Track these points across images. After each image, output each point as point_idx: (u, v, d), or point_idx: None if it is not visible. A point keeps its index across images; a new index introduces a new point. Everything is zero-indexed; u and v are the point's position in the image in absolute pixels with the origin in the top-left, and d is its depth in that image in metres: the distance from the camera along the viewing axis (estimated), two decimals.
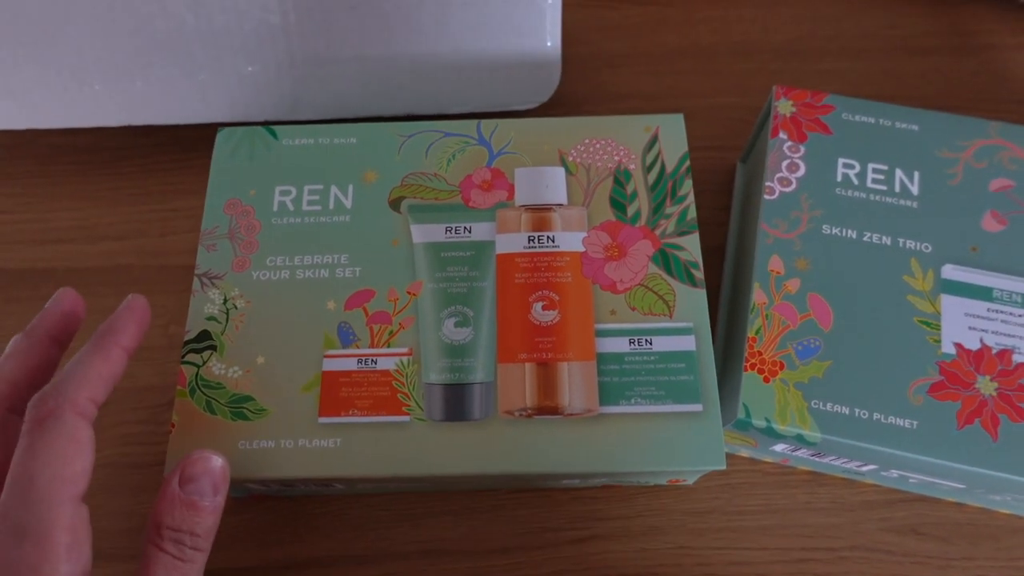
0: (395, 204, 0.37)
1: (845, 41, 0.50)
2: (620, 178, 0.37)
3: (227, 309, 0.35)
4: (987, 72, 0.48)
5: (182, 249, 0.45)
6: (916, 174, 0.36)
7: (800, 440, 0.33)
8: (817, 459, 0.36)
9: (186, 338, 0.34)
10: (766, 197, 0.36)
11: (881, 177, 0.37)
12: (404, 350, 0.34)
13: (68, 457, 0.25)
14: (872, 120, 0.38)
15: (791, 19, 0.51)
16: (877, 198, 0.36)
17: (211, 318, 0.35)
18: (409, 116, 0.45)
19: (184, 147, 0.48)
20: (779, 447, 0.35)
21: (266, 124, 0.39)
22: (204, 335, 0.34)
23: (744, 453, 0.38)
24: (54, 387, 0.27)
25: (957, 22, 0.50)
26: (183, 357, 0.34)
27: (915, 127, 0.38)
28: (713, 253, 0.43)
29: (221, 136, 0.39)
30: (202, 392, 0.33)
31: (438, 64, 0.43)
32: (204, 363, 0.34)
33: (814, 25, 0.51)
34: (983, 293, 0.34)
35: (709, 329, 0.34)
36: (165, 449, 0.38)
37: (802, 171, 0.37)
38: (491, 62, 0.43)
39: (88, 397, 0.27)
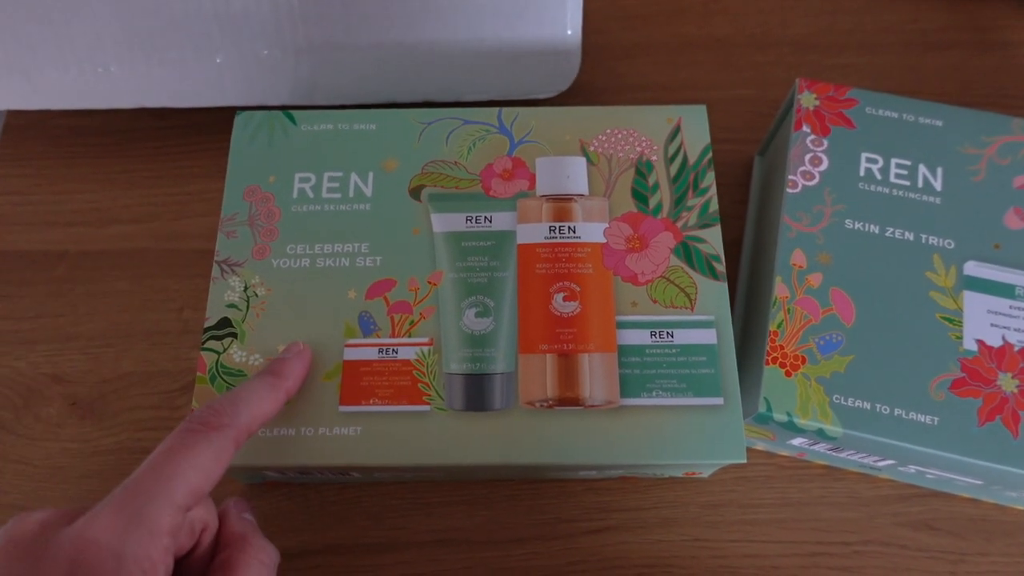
0: (415, 192, 0.36)
1: (864, 35, 0.50)
2: (642, 169, 0.37)
3: (247, 297, 0.35)
4: (1006, 68, 0.48)
5: (197, 233, 0.44)
6: (939, 170, 0.36)
7: (821, 435, 0.33)
8: (834, 453, 0.36)
9: (206, 324, 0.34)
10: (789, 190, 0.36)
11: (904, 172, 0.36)
12: (425, 340, 0.34)
13: (209, 473, 0.25)
14: (895, 115, 0.38)
15: (810, 12, 0.51)
16: (900, 193, 0.36)
17: (231, 305, 0.34)
18: (427, 103, 0.44)
19: (199, 130, 0.47)
20: (797, 441, 0.35)
21: (284, 109, 0.39)
22: (224, 322, 0.34)
23: (760, 446, 0.38)
24: (232, 406, 0.27)
25: (977, 17, 0.50)
26: (203, 344, 0.34)
27: (939, 122, 0.37)
28: (730, 246, 0.43)
29: (239, 120, 0.38)
30: (223, 379, 0.33)
31: (457, 51, 0.43)
32: (225, 350, 0.34)
33: (833, 18, 0.50)
34: (1006, 290, 0.34)
35: (730, 322, 0.34)
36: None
37: (825, 165, 0.37)
38: (511, 50, 0.43)
39: (249, 432, 0.28)
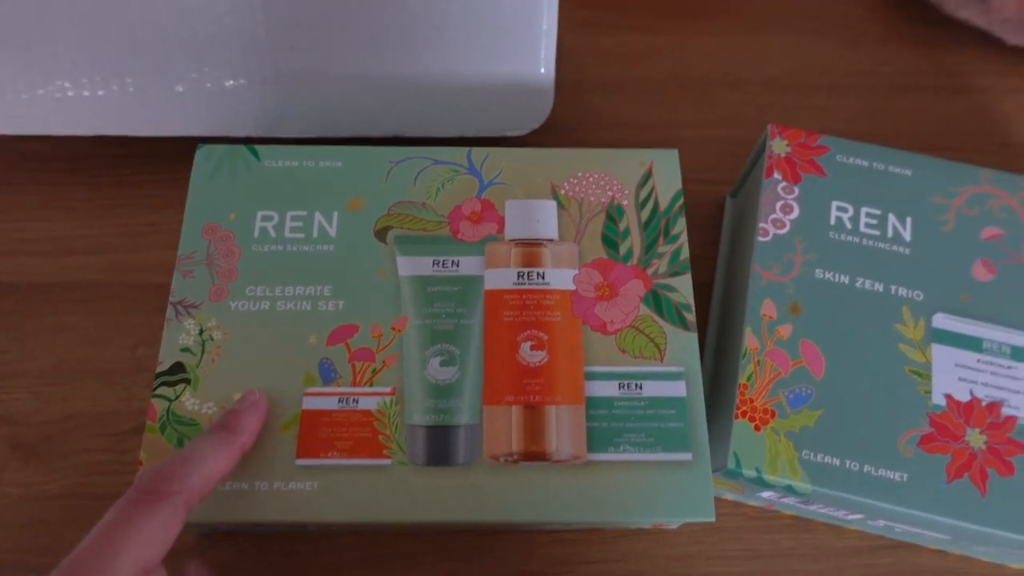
0: (381, 234, 0.35)
1: (836, 77, 0.50)
2: (613, 214, 0.36)
3: (203, 341, 0.33)
4: (973, 113, 0.49)
5: (154, 266, 0.43)
6: (909, 220, 0.36)
7: (790, 490, 0.32)
8: (803, 506, 0.35)
9: (158, 370, 0.33)
10: (760, 238, 0.36)
11: (874, 222, 0.36)
12: (387, 389, 0.32)
13: (157, 545, 0.24)
14: (866, 163, 0.38)
15: (782, 53, 0.51)
16: (870, 243, 0.36)
17: (186, 349, 0.33)
18: (396, 138, 0.43)
19: (161, 159, 0.46)
20: (766, 494, 0.34)
21: (247, 142, 0.38)
22: (178, 367, 0.33)
23: (728, 496, 0.38)
24: (182, 468, 0.26)
25: (944, 62, 0.50)
26: (154, 390, 0.32)
27: (908, 172, 0.37)
28: (700, 288, 0.43)
29: (200, 155, 0.37)
30: (174, 428, 0.32)
31: (429, 86, 0.42)
32: (177, 397, 0.32)
33: (805, 59, 0.51)
34: (973, 344, 0.34)
35: (700, 375, 0.33)
36: (130, 480, 0.36)
37: (796, 213, 0.36)
38: (483, 86, 0.42)
39: (202, 495, 0.27)
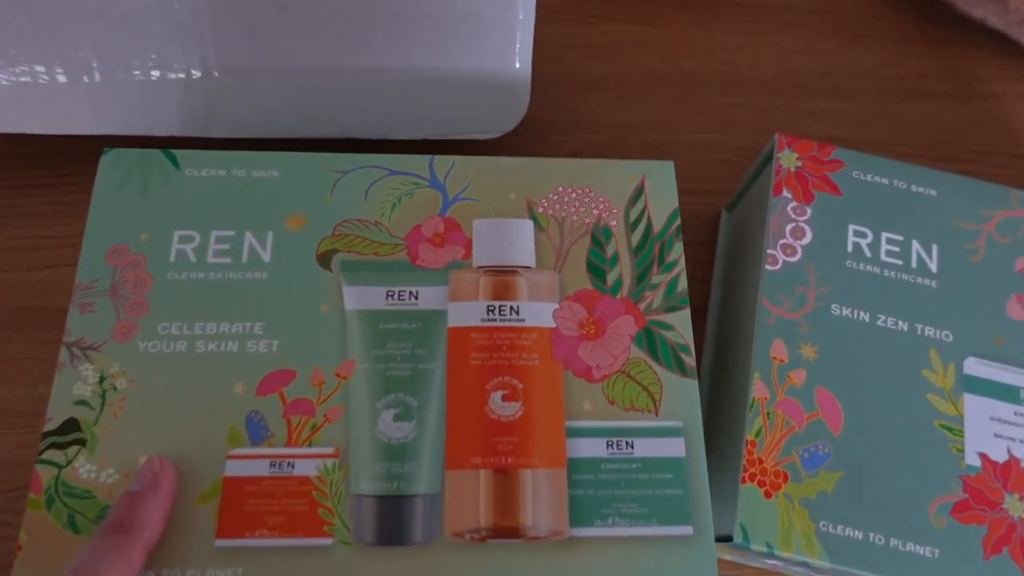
0: (325, 259, 0.30)
1: (839, 78, 0.45)
2: (599, 237, 0.31)
3: (103, 391, 0.27)
4: (987, 122, 0.45)
5: (58, 288, 0.36)
6: (934, 247, 0.32)
7: (804, 567, 0.28)
8: (814, 573, 0.31)
9: (46, 428, 0.27)
10: (768, 267, 0.31)
11: (896, 249, 0.32)
12: (329, 450, 0.27)
13: None
14: (886, 181, 0.33)
15: (781, 51, 0.46)
16: (892, 274, 0.31)
17: (81, 402, 0.27)
18: (347, 140, 0.38)
19: (71, 159, 0.39)
20: (772, 562, 0.30)
21: (167, 146, 0.32)
22: (70, 425, 0.27)
23: (726, 556, 0.33)
24: None
25: (957, 65, 0.46)
26: (40, 454, 0.26)
27: (932, 192, 0.33)
28: (692, 315, 0.38)
29: (106, 161, 0.31)
30: (63, 503, 0.26)
31: (384, 82, 0.36)
32: (68, 463, 0.26)
33: (806, 59, 0.46)
34: (1010, 394, 0.29)
35: (701, 429, 0.28)
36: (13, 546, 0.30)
37: (808, 238, 0.32)
38: (448, 82, 0.37)
39: None
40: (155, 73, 0.36)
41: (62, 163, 0.39)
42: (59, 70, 0.35)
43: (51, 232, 0.38)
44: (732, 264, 0.37)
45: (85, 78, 0.35)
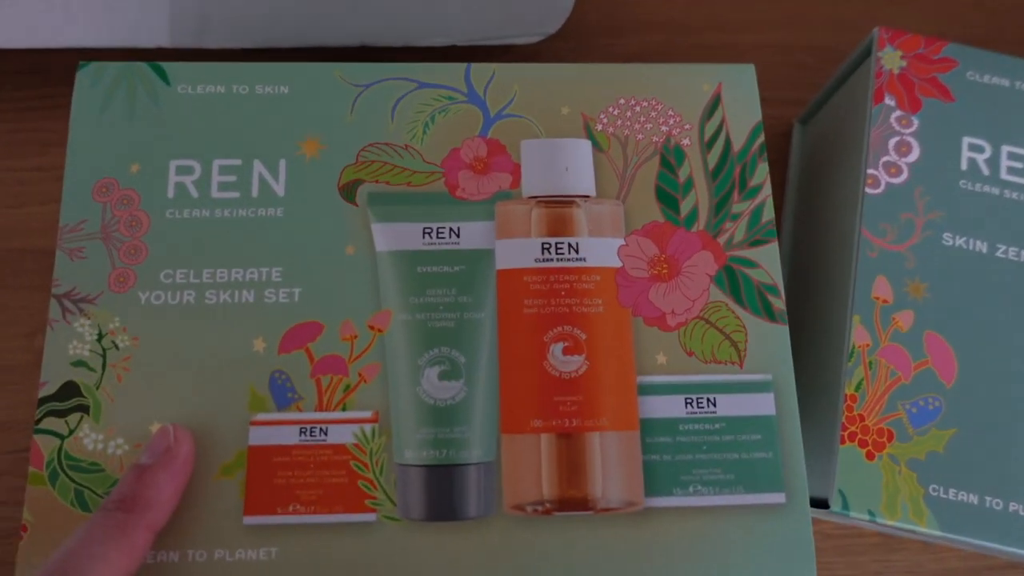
0: (348, 191, 0.25)
1: None
2: (670, 158, 0.26)
3: (103, 350, 0.24)
4: None
5: (48, 227, 0.32)
6: None
7: (912, 534, 0.24)
8: None
9: (42, 394, 0.23)
10: (868, 190, 0.26)
11: (1019, 166, 0.27)
12: (367, 415, 0.23)
13: None
14: (1007, 83, 0.28)
15: None
16: (1014, 195, 0.27)
17: (80, 363, 0.24)
18: (363, 49, 0.32)
19: (48, 79, 0.34)
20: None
21: (157, 59, 0.27)
22: (70, 389, 0.23)
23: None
24: None
25: None
26: (38, 423, 0.23)
27: None
28: None
29: (83, 76, 0.26)
30: (68, 477, 0.23)
31: None
32: (71, 432, 0.23)
33: None
34: None
35: (793, 383, 0.24)
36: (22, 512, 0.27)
37: (916, 154, 0.27)
38: None
39: None
40: None
41: (38, 82, 0.34)
42: None
43: (33, 164, 0.33)
44: (810, 187, 0.32)
45: None
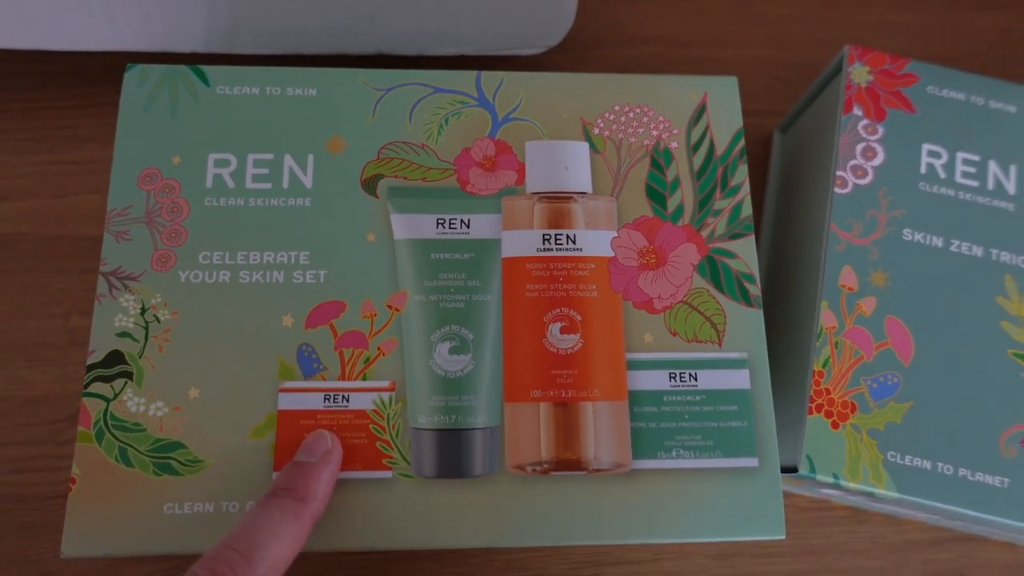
0: (370, 185, 0.28)
1: None
2: (659, 160, 0.29)
3: (146, 322, 0.26)
4: None
5: (87, 215, 0.35)
6: (1012, 168, 0.30)
7: (870, 496, 0.27)
8: (866, 500, 0.30)
9: (90, 361, 0.26)
10: (837, 190, 0.29)
11: (972, 170, 0.30)
12: (385, 384, 0.26)
13: None
14: (962, 96, 0.31)
15: None
16: (967, 196, 0.30)
17: (124, 334, 0.26)
18: (381, 56, 0.35)
19: (88, 79, 0.37)
20: (828, 491, 0.29)
21: (193, 63, 0.29)
22: (115, 357, 0.26)
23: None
24: (246, 559, 0.21)
25: None
26: (86, 387, 0.26)
27: (1012, 108, 0.31)
28: None
29: (130, 78, 0.29)
30: (113, 436, 0.25)
31: None
32: (116, 396, 0.25)
33: None
34: None
35: (767, 361, 0.27)
36: (67, 476, 0.30)
37: (880, 159, 0.30)
38: None
39: None
40: None
41: (77, 82, 0.37)
42: None
43: (75, 157, 0.36)
44: (788, 189, 0.35)
45: None
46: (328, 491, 0.24)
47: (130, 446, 0.25)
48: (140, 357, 0.26)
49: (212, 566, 0.20)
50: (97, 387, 0.26)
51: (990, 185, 0.30)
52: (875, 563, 0.33)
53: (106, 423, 0.25)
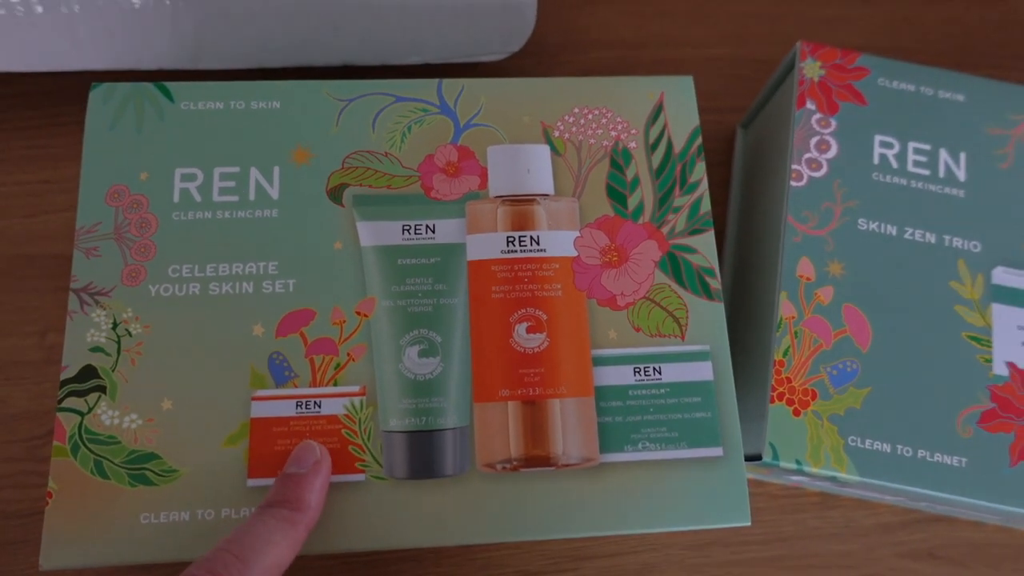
0: (336, 194, 0.29)
1: None
2: (618, 160, 0.30)
3: (118, 337, 0.27)
4: (1011, 23, 0.43)
5: (59, 233, 0.35)
6: (962, 156, 0.31)
7: (834, 481, 0.28)
8: (835, 486, 0.31)
9: (63, 376, 0.26)
10: (793, 183, 0.30)
11: (923, 159, 0.31)
12: (355, 389, 0.27)
13: None
14: (912, 88, 0.32)
15: None
16: (919, 185, 0.30)
17: (97, 349, 0.26)
18: (345, 68, 0.36)
19: (57, 99, 0.37)
20: (796, 478, 0.30)
21: (158, 80, 0.30)
22: (88, 372, 0.26)
23: (750, 475, 0.34)
24: (241, 562, 0.21)
25: None
26: (60, 402, 0.26)
27: (960, 97, 0.32)
28: None
29: (95, 96, 0.29)
30: (88, 449, 0.26)
31: (382, 1, 0.34)
32: (90, 410, 0.26)
33: None
34: None
35: (728, 352, 0.28)
36: (44, 493, 0.30)
37: (834, 151, 0.31)
38: (451, 1, 0.35)
39: None
40: (136, 1, 0.34)
41: (47, 103, 0.37)
42: (39, 2, 0.33)
43: (45, 176, 0.36)
44: (750, 183, 0.36)
45: (64, 8, 0.33)
46: (321, 500, 0.24)
47: (105, 458, 0.25)
48: (113, 371, 0.26)
49: (209, 567, 0.21)
50: (71, 402, 0.26)
51: (941, 173, 0.31)
52: (847, 547, 0.34)
53: (81, 437, 0.26)
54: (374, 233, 0.28)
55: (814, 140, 0.31)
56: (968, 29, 0.42)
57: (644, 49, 0.41)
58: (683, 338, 0.28)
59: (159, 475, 0.25)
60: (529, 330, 0.27)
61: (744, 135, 0.39)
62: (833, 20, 0.43)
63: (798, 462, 0.27)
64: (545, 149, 0.29)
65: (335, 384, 0.27)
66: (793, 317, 0.28)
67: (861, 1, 0.43)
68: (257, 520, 0.23)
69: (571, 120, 0.30)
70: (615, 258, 0.28)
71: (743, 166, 0.38)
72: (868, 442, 0.27)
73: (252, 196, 0.28)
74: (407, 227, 0.28)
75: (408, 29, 0.34)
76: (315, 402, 0.26)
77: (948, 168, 0.31)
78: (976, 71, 0.41)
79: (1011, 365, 0.28)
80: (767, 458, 0.27)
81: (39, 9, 0.33)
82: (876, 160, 0.31)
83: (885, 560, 0.33)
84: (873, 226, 0.30)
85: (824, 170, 0.30)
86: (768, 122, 0.35)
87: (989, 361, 0.28)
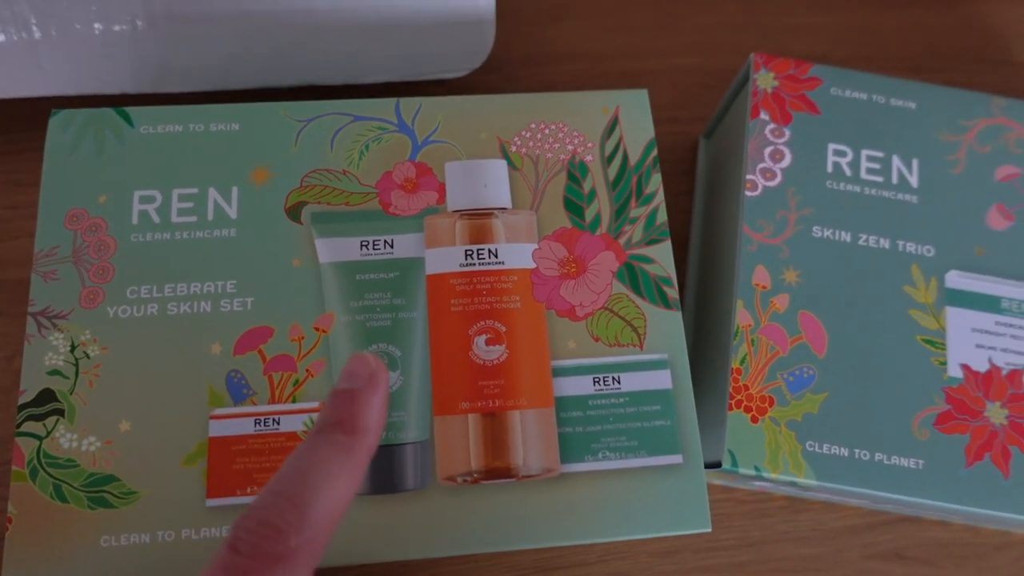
0: (294, 212, 0.29)
1: None
2: (575, 173, 0.30)
3: (76, 360, 0.27)
4: (970, 28, 0.44)
5: (23, 259, 0.35)
6: (915, 162, 0.31)
7: (793, 485, 0.28)
8: (800, 490, 0.31)
9: (21, 401, 0.26)
10: (748, 193, 0.30)
11: (876, 166, 0.31)
12: (314, 405, 0.27)
13: None
14: (864, 96, 0.32)
15: None
16: (873, 191, 0.31)
17: (55, 372, 0.26)
18: (306, 87, 0.36)
19: (20, 125, 0.37)
20: (760, 484, 0.30)
21: (119, 105, 0.30)
22: (46, 396, 0.26)
23: (717, 482, 0.34)
24: (296, 509, 0.18)
25: None
26: (18, 427, 0.26)
27: (912, 104, 0.32)
28: (675, 248, 0.38)
29: (55, 123, 0.29)
30: (47, 473, 0.25)
31: (343, 21, 0.35)
32: (48, 434, 0.26)
33: None
34: (991, 304, 0.30)
35: (687, 360, 0.28)
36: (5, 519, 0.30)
37: (788, 160, 0.31)
38: (410, 20, 0.35)
39: (328, 538, 0.18)
40: (98, 26, 0.34)
41: (11, 128, 0.37)
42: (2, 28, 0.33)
43: (7, 203, 0.36)
44: (712, 193, 0.37)
45: (24, 35, 0.33)
46: (381, 421, 0.20)
47: (64, 482, 0.25)
48: (71, 394, 0.26)
49: (260, 516, 0.17)
50: (29, 426, 0.26)
51: (894, 179, 0.31)
52: (815, 550, 0.34)
53: (40, 461, 0.26)
54: (332, 249, 0.28)
55: (768, 150, 0.31)
56: (929, 35, 0.43)
57: (607, 61, 0.41)
58: (642, 347, 0.28)
59: (118, 497, 0.25)
60: (488, 342, 0.27)
61: (706, 145, 0.39)
62: (796, 29, 0.43)
63: (757, 468, 0.27)
64: (502, 164, 0.30)
65: (294, 401, 0.27)
66: (750, 325, 0.29)
67: (823, 10, 0.44)
68: (308, 449, 0.19)
69: (528, 135, 0.31)
70: (573, 269, 0.29)
71: (705, 176, 0.38)
72: (826, 447, 0.28)
73: (210, 216, 0.29)
74: (365, 243, 0.28)
75: (367, 49, 0.35)
76: (274, 419, 0.26)
77: (901, 175, 0.31)
78: (937, 76, 0.42)
79: (965, 367, 0.29)
80: (726, 465, 0.27)
81: (0, 37, 0.33)
82: (830, 168, 0.31)
83: (853, 562, 0.34)
84: (827, 233, 0.30)
85: (778, 179, 0.31)
86: (727, 133, 0.36)
87: (944, 364, 0.29)
